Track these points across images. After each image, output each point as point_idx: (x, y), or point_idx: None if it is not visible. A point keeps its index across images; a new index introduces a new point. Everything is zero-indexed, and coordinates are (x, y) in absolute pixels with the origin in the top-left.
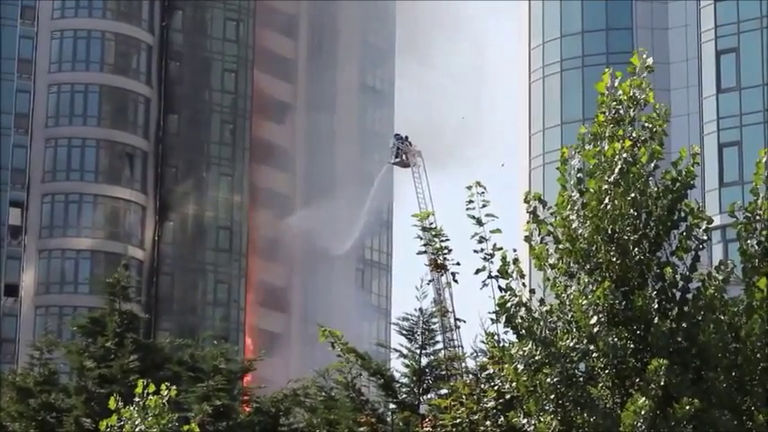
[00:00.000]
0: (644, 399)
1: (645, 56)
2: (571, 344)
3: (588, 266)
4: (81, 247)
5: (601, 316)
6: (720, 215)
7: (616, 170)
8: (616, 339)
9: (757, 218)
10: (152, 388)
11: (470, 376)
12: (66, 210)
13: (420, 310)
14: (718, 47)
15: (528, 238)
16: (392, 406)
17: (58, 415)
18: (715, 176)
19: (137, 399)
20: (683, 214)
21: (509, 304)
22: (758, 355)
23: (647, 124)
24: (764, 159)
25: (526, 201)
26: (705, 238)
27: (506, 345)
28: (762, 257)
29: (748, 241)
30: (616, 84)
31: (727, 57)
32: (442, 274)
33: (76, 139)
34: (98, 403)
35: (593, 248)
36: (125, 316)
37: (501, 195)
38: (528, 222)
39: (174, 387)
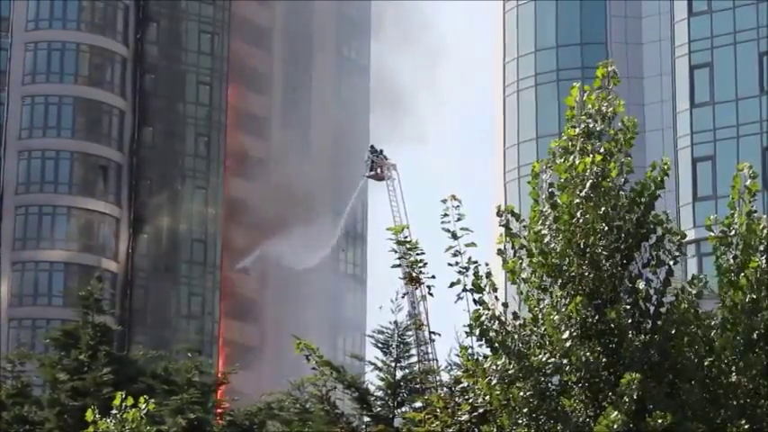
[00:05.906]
0: (617, 412)
1: (610, 67)
2: (544, 358)
3: (561, 280)
4: (54, 259)
5: (573, 330)
6: (695, 229)
7: (587, 184)
8: (589, 353)
9: (733, 232)
10: (130, 401)
11: (445, 389)
12: (40, 222)
13: (395, 323)
14: (692, 62)
15: (501, 252)
16: (367, 419)
17: (31, 428)
18: (689, 191)
19: (114, 411)
20: (651, 226)
21: (483, 318)
22: (732, 369)
23: (616, 137)
24: (742, 173)
25: (499, 214)
26: (678, 253)
27: (480, 358)
28: (737, 272)
29: (724, 255)
30: (584, 98)
31: (700, 71)
32: (416, 288)
33: (50, 151)
34: (71, 416)
35: (566, 262)
36: (98, 328)
37: (476, 208)
38: (501, 236)
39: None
